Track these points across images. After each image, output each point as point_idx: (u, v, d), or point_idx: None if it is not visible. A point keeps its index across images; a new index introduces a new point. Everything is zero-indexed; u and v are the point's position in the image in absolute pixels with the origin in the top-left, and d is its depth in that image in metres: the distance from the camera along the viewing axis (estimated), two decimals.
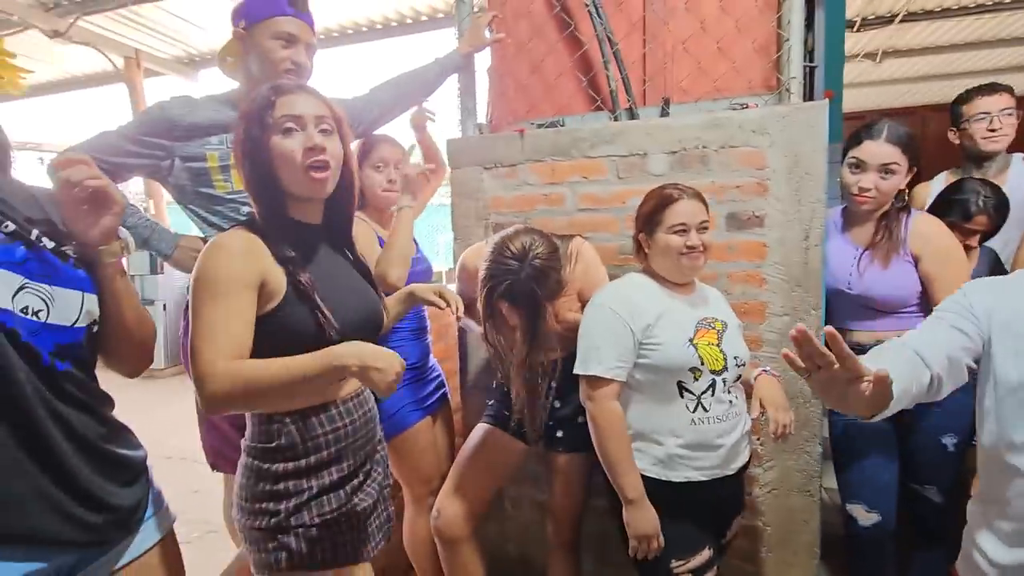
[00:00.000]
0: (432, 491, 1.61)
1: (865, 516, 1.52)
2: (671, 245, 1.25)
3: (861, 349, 1.53)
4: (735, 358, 1.26)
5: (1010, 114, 1.76)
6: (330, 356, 0.88)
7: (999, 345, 0.89)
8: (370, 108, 1.70)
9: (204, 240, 1.50)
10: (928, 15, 4.64)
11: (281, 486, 0.98)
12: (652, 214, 1.28)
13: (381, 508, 1.13)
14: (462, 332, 1.81)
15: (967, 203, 1.56)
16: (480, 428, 1.54)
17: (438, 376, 1.76)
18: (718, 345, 1.25)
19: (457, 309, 1.23)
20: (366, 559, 1.05)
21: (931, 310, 1.02)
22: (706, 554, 1.23)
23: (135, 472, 0.92)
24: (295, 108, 0.96)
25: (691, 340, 1.23)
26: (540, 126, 1.77)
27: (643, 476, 1.25)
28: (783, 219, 1.51)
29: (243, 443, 1.03)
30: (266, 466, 0.99)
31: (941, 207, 1.63)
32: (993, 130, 1.76)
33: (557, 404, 1.46)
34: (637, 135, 1.62)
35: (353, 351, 0.89)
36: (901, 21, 4.65)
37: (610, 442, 1.23)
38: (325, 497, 1.00)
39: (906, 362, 0.89)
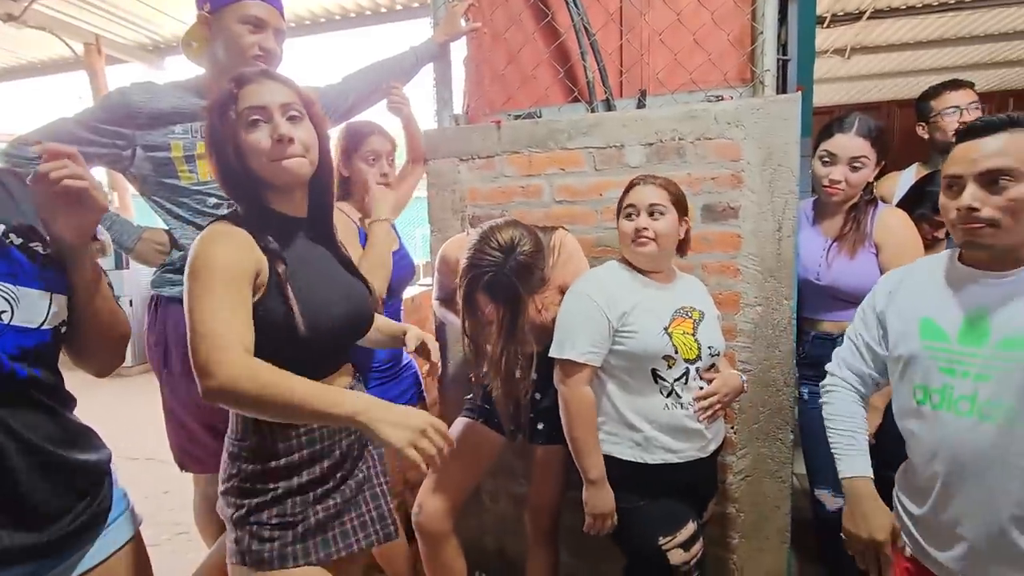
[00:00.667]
0: (398, 494, 1.60)
1: (832, 501, 1.56)
2: (623, 230, 1.30)
3: (829, 338, 1.57)
4: (709, 347, 1.29)
5: (977, 108, 1.81)
6: (341, 405, 0.85)
7: (892, 328, 1.04)
8: (344, 96, 1.66)
9: (168, 233, 1.45)
10: (894, 12, 4.75)
11: (248, 484, 0.97)
12: (619, 202, 1.34)
13: (363, 508, 1.08)
14: (440, 326, 1.79)
15: (937, 195, 1.59)
16: (460, 422, 1.53)
17: (412, 373, 1.74)
18: (693, 334, 1.28)
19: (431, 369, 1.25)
20: (326, 561, 1.00)
21: None
22: (691, 527, 1.26)
23: (96, 476, 0.88)
24: (259, 98, 0.93)
25: (666, 329, 1.25)
26: (517, 117, 1.75)
27: (621, 460, 1.27)
28: (757, 211, 1.53)
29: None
30: (239, 462, 0.98)
31: (913, 199, 1.67)
32: (964, 123, 1.80)
33: (538, 396, 1.46)
34: (614, 127, 1.62)
35: (363, 406, 0.85)
36: (869, 18, 4.75)
37: (579, 426, 1.27)
38: (289, 500, 0.98)
39: (852, 404, 1.14)
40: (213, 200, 1.41)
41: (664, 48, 1.67)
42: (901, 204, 1.69)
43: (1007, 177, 0.85)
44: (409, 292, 2.24)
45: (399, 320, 1.70)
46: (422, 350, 1.32)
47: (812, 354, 1.61)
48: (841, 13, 4.74)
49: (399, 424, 0.85)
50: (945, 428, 0.93)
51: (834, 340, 1.56)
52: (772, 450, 1.59)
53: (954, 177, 0.92)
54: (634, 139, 1.61)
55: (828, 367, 1.19)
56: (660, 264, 1.34)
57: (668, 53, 1.67)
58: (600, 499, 1.26)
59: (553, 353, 1.29)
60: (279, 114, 0.94)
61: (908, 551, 1.04)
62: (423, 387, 1.77)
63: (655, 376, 1.26)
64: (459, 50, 1.87)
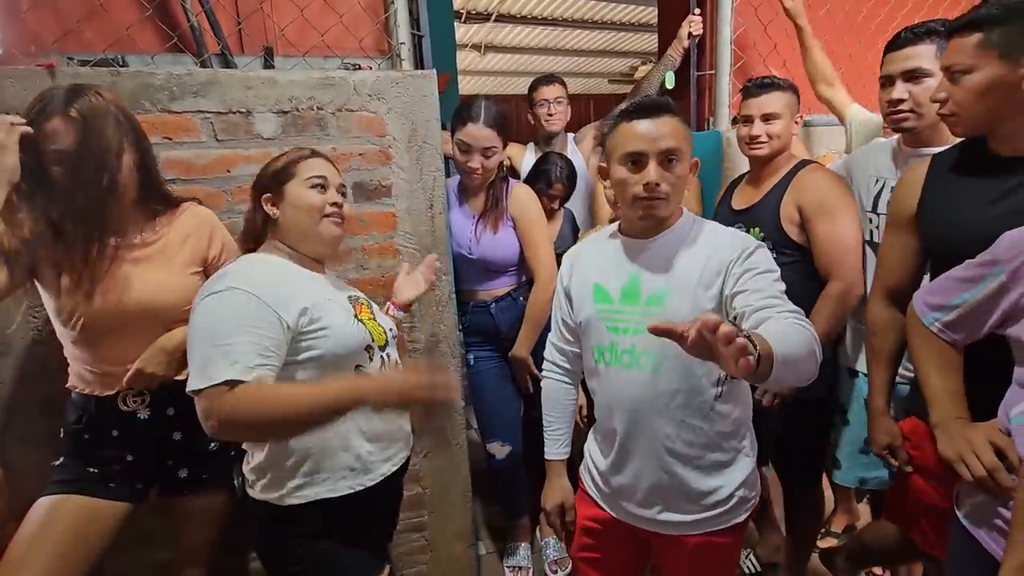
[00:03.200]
0: None
1: (500, 450, 1.73)
2: (312, 202, 1.03)
3: (484, 306, 1.70)
4: (390, 330, 1.18)
5: (561, 102, 2.16)
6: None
7: (574, 298, 1.11)
8: None
9: None
10: (513, 19, 5.56)
11: None
12: (281, 170, 1.05)
13: None
14: None
15: (550, 173, 1.87)
16: (42, 505, 1.06)
17: None
18: (375, 319, 1.14)
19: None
20: None
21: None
22: (388, 566, 1.14)
23: None
24: None
25: (356, 316, 1.07)
26: (85, 63, 1.27)
27: (332, 500, 1.02)
28: (408, 188, 1.51)
29: None
30: None
31: (533, 176, 1.91)
32: (551, 115, 2.14)
33: (177, 436, 1.14)
34: (235, 88, 1.33)
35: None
36: (495, 20, 5.43)
37: (277, 408, 0.87)
38: None
39: (559, 390, 1.21)
40: None
41: (289, 2, 1.44)
42: (528, 179, 1.93)
43: (675, 156, 0.96)
44: None
45: None
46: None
47: (473, 323, 1.72)
48: (474, 11, 5.28)
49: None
50: (614, 382, 1.03)
51: (488, 307, 1.69)
52: (448, 421, 1.65)
53: (638, 154, 0.96)
54: (264, 105, 1.35)
55: (545, 352, 1.23)
56: (338, 246, 1.15)
57: (294, 8, 1.45)
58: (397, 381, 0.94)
59: (196, 383, 0.86)
60: None
61: (570, 516, 1.18)
62: None
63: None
64: None
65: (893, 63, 1.25)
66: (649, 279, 1.01)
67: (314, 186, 1.05)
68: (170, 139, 1.30)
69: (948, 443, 0.88)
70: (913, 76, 1.22)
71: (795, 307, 0.89)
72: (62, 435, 1.13)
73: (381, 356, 1.10)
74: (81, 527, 1.07)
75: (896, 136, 1.35)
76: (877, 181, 1.36)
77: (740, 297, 0.92)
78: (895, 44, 1.25)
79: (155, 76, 1.27)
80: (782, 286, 0.94)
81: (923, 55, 1.21)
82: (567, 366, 1.20)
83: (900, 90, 1.23)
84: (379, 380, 0.95)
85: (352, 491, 1.04)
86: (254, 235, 1.09)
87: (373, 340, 1.07)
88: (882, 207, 1.34)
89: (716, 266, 0.96)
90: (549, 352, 1.22)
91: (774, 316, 0.85)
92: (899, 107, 1.24)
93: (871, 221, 1.37)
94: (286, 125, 1.38)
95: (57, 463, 1.11)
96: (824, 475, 1.59)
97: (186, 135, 1.31)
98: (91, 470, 1.10)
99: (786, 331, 0.81)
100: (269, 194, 1.05)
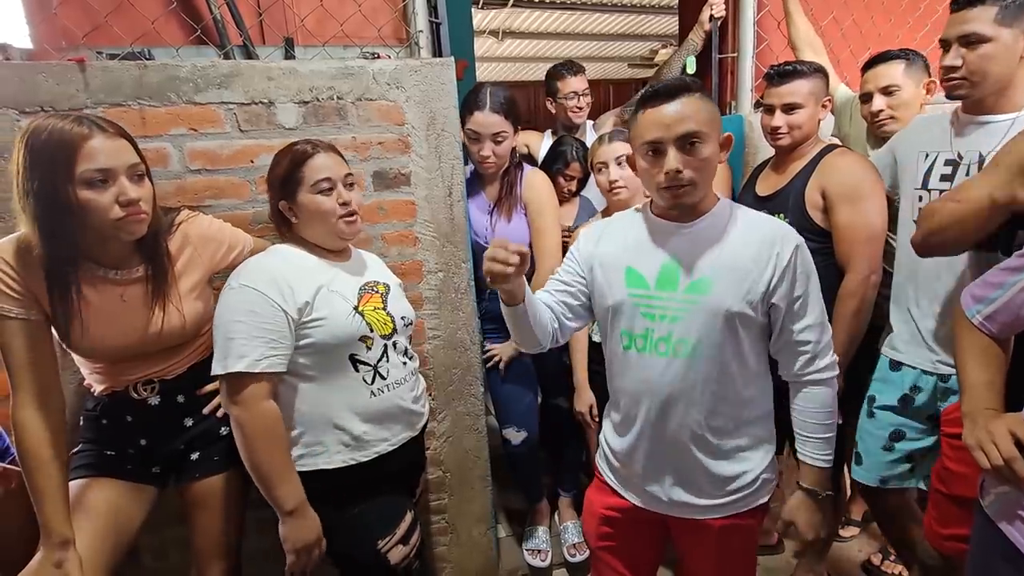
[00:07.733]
0: None
1: (516, 436, 1.75)
2: (321, 207, 1.11)
3: (496, 296, 1.71)
4: (402, 318, 1.22)
5: (587, 93, 2.15)
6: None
7: (597, 277, 1.08)
8: None
9: None
10: (531, 4, 5.48)
11: None
12: (288, 175, 1.11)
13: None
14: None
15: (566, 153, 1.87)
16: (71, 488, 1.09)
17: None
18: (384, 308, 1.19)
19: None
20: None
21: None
22: (408, 518, 1.19)
23: None
24: None
25: (356, 308, 1.13)
26: (113, 56, 1.30)
27: (328, 471, 1.11)
28: (427, 176, 1.52)
29: None
30: None
31: (551, 159, 1.91)
32: (580, 108, 2.13)
33: (189, 422, 1.18)
34: (257, 79, 1.35)
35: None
36: (513, 5, 5.36)
37: (265, 452, 1.04)
38: None
39: (546, 311, 1.11)
40: None
41: None
42: (544, 162, 1.93)
43: (697, 139, 0.92)
44: None
45: None
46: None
47: (489, 310, 1.73)
48: None
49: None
50: (648, 370, 1.01)
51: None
52: (468, 407, 1.67)
53: (656, 142, 0.93)
54: (285, 95, 1.37)
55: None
56: (356, 237, 1.21)
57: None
58: (302, 529, 1.06)
59: (216, 369, 1.03)
60: None
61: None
62: None
63: (355, 363, 1.12)
64: None
65: (950, 26, 1.17)
66: (690, 265, 0.98)
67: (321, 191, 1.11)
68: (195, 130, 1.33)
69: (971, 431, 0.86)
70: (969, 41, 1.13)
71: (826, 341, 1.01)
72: (81, 423, 1.17)
73: (384, 344, 1.16)
74: (111, 506, 1.11)
75: (954, 106, 1.27)
76: (927, 156, 1.28)
77: (783, 333, 1.01)
78: (955, 4, 1.17)
79: (180, 68, 1.30)
80: (815, 293, 1.00)
81: (981, 18, 1.12)
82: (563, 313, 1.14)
83: (953, 56, 1.15)
84: (298, 531, 1.07)
85: (346, 464, 1.13)
86: (283, 223, 1.18)
87: (373, 331, 1.14)
88: (932, 183, 1.26)
89: (765, 258, 0.96)
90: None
91: (803, 391, 1.03)
92: (951, 74, 1.17)
93: (920, 199, 1.29)
94: (307, 115, 1.40)
95: (75, 450, 1.15)
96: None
97: (210, 126, 1.34)
98: (108, 453, 1.13)
99: (812, 408, 1.03)
100: (284, 201, 1.13)
